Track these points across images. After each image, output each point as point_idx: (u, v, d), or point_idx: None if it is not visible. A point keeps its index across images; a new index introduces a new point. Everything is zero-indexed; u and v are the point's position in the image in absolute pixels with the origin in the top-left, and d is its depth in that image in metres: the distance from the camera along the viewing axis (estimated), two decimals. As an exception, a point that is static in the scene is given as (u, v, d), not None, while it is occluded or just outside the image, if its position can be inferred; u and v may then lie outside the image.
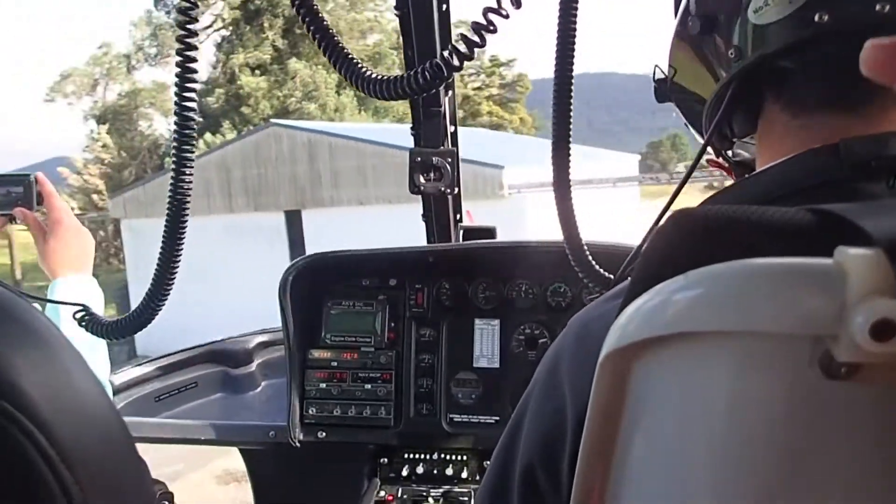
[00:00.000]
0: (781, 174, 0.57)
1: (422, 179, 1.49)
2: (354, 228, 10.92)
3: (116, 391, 1.52)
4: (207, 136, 21.03)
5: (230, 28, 24.90)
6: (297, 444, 1.45)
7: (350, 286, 1.53)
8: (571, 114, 0.82)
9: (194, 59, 0.85)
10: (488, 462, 0.69)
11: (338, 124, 19.26)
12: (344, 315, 1.52)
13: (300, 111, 22.56)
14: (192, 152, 0.90)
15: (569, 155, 0.84)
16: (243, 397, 1.70)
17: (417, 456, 1.46)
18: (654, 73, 0.73)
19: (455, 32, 1.30)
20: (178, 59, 0.84)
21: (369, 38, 26.18)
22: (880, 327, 0.30)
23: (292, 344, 1.45)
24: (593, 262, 0.92)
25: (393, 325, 1.50)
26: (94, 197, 22.56)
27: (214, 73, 25.08)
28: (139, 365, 1.60)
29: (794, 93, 0.59)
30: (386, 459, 1.48)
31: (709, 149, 0.70)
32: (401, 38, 1.34)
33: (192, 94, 0.87)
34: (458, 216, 1.63)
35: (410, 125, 1.53)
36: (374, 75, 0.84)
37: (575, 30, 0.77)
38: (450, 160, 1.49)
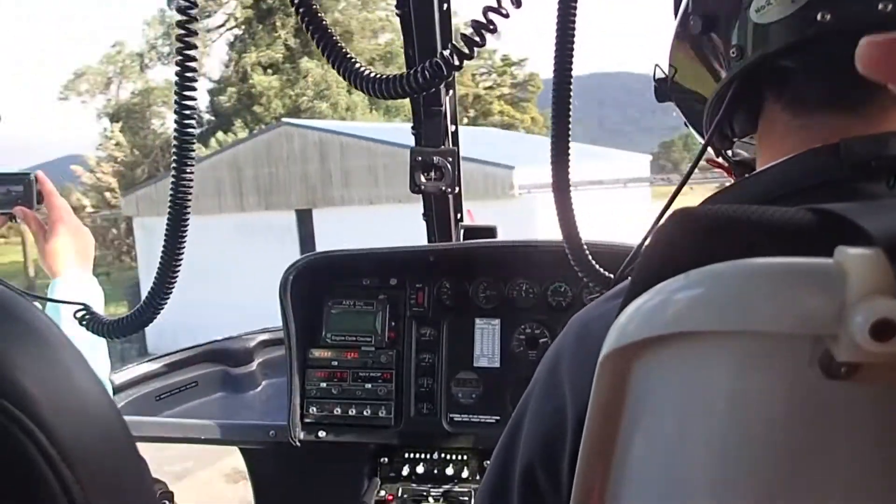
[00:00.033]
0: (782, 174, 0.57)
1: (422, 178, 1.49)
2: (365, 228, 10.90)
3: (117, 390, 1.51)
4: (219, 134, 21.08)
5: (243, 27, 24.91)
6: (298, 444, 1.45)
7: (350, 285, 1.53)
8: (571, 113, 0.82)
9: (194, 59, 0.85)
10: (488, 462, 0.69)
11: (349, 123, 19.27)
12: (344, 314, 1.51)
13: (312, 110, 22.58)
14: (193, 152, 0.91)
15: (568, 153, 0.84)
16: (244, 396, 1.70)
17: (418, 455, 1.46)
18: (655, 73, 0.73)
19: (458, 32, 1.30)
20: (178, 58, 0.85)
21: (381, 38, 26.20)
22: (880, 327, 0.30)
23: (293, 343, 1.44)
24: (593, 262, 0.92)
25: (393, 324, 1.50)
26: (107, 195, 22.59)
27: (227, 71, 25.12)
28: (140, 364, 1.60)
29: (795, 92, 0.59)
30: (386, 459, 1.48)
31: (709, 149, 0.70)
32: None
33: (193, 94, 0.87)
34: (459, 215, 1.63)
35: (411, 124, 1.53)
36: (373, 74, 0.84)
37: (574, 29, 0.77)
38: (450, 159, 1.49)
